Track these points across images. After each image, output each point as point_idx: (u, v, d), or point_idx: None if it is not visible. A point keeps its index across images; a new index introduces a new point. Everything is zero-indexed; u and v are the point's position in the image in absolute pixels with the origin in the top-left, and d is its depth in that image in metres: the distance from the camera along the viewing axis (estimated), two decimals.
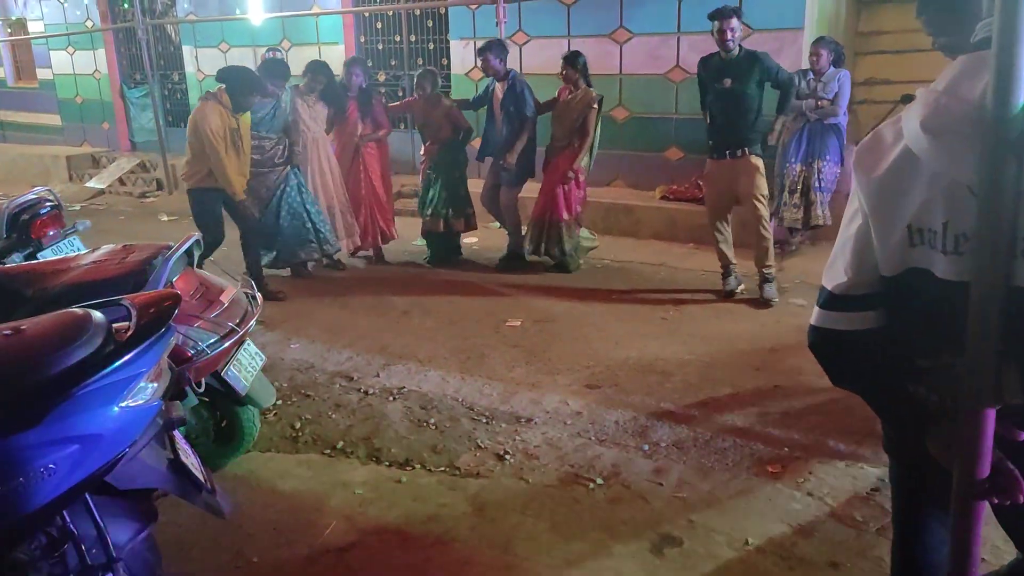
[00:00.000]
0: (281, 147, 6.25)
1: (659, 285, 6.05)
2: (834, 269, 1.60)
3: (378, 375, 4.50)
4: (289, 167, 6.26)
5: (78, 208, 10.02)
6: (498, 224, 7.12)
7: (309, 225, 6.33)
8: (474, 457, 3.56)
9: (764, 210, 5.56)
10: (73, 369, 1.93)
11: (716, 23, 5.29)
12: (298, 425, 3.88)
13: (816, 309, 1.65)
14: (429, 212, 6.77)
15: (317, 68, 6.54)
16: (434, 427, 3.84)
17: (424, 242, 7.08)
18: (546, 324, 5.26)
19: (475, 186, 6.97)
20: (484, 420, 3.90)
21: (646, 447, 3.60)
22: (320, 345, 5.02)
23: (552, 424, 3.85)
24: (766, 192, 5.58)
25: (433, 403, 4.10)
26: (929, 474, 1.60)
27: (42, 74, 13.08)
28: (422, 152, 6.92)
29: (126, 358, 2.01)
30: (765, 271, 5.64)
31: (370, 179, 6.84)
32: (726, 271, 5.76)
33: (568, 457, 3.53)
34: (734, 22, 5.23)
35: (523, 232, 6.64)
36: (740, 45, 5.39)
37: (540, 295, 5.87)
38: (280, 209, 6.23)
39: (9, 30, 13.28)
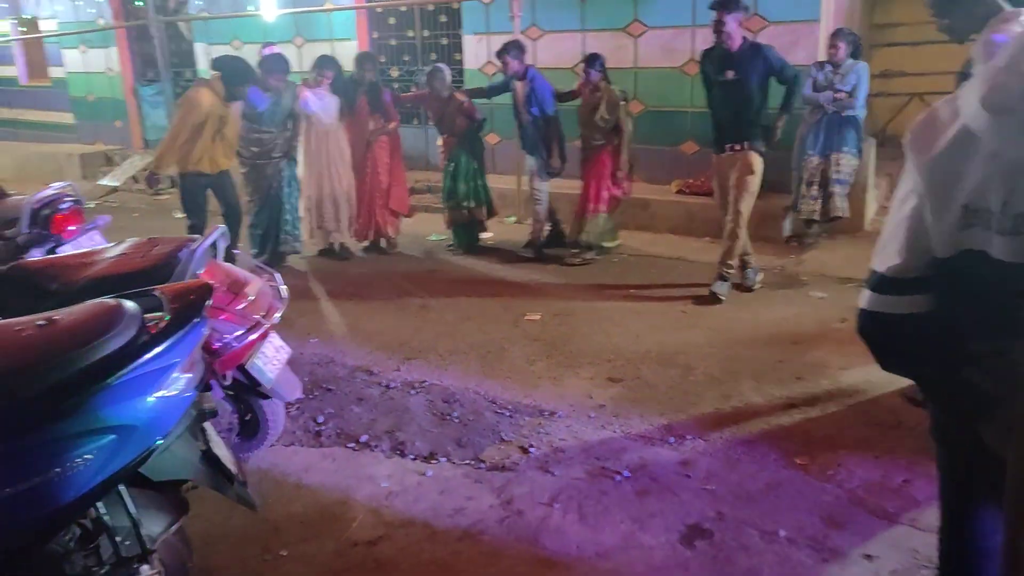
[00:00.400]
0: (280, 140, 6.41)
1: (677, 279, 6.01)
2: (886, 251, 1.57)
3: (399, 369, 4.49)
4: (287, 159, 6.45)
5: (92, 205, 10.00)
6: (514, 218, 7.13)
7: (288, 217, 6.58)
8: (499, 450, 3.54)
9: (746, 207, 5.41)
10: (108, 359, 1.92)
11: (715, 13, 5.23)
12: (321, 419, 3.87)
13: (866, 292, 1.62)
14: (452, 203, 6.86)
15: (323, 62, 6.66)
16: (457, 420, 3.83)
17: (442, 237, 7.21)
18: (565, 318, 5.23)
19: (509, 182, 7.19)
20: (507, 413, 3.88)
21: (672, 440, 3.58)
22: (339, 340, 5.01)
23: (576, 417, 3.83)
24: (755, 190, 5.42)
25: (455, 397, 4.08)
26: (980, 460, 1.57)
27: (55, 72, 13.11)
28: (439, 144, 6.98)
29: (161, 348, 2.00)
30: (724, 268, 5.53)
31: (376, 172, 6.88)
32: (743, 263, 5.70)
33: (594, 450, 3.51)
34: (727, 16, 5.13)
35: (548, 225, 6.82)
36: (744, 38, 5.31)
37: (559, 289, 5.85)
38: (282, 202, 6.48)
39: (22, 28, 13.31)
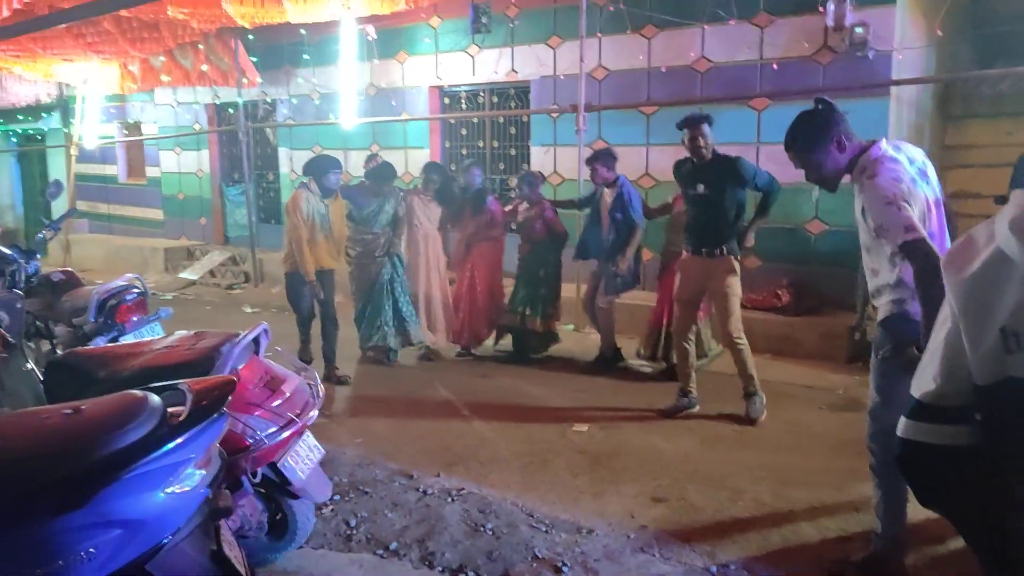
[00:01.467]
0: (383, 239, 6.70)
1: (731, 395, 5.82)
2: (923, 376, 1.49)
3: (438, 475, 4.42)
4: (388, 258, 6.71)
5: (170, 297, 10.47)
6: (571, 326, 7.08)
7: (389, 312, 6.74)
8: (530, 568, 3.41)
9: (735, 310, 5.22)
10: (124, 451, 1.95)
11: (686, 132, 5.19)
12: (353, 522, 3.81)
13: (903, 419, 1.53)
14: (509, 307, 6.91)
15: (430, 169, 7.05)
16: (491, 532, 3.71)
17: (495, 344, 7.21)
18: (614, 431, 5.11)
19: (569, 290, 7.09)
20: (543, 528, 3.75)
21: (714, 570, 3.38)
22: (384, 441, 4.99)
23: (614, 536, 3.67)
24: (739, 292, 5.28)
25: (492, 507, 3.98)
26: None
27: (151, 172, 13.98)
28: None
29: (176, 442, 2.01)
30: (748, 386, 5.26)
31: (474, 280, 6.99)
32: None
33: (629, 573, 3.34)
34: (704, 128, 5.12)
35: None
36: (713, 151, 5.25)
37: (611, 400, 5.74)
38: (382, 301, 6.72)
39: (126, 131, 14.32)
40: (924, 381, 1.52)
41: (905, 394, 3.20)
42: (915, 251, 2.77)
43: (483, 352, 7.15)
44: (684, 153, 5.39)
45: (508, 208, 7.23)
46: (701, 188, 5.20)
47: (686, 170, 5.39)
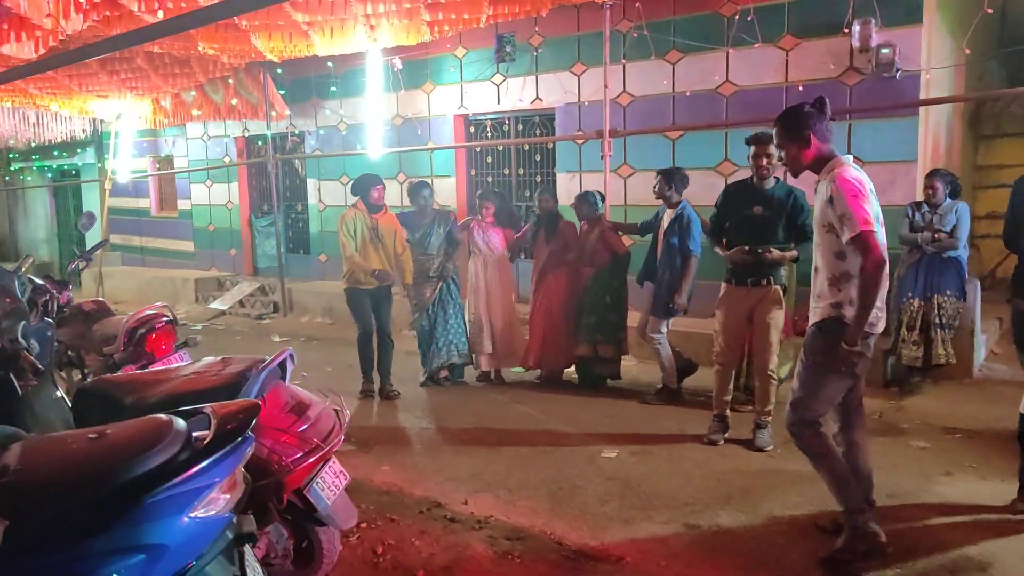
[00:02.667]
0: (437, 262, 6.87)
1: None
2: None
3: (466, 502, 4.37)
4: (443, 280, 6.87)
5: (200, 327, 10.57)
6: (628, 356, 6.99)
7: (440, 334, 6.90)
8: None
9: (775, 342, 5.08)
10: (147, 476, 1.94)
11: (752, 148, 5.06)
12: (380, 550, 3.77)
13: None
14: (579, 337, 6.73)
15: (484, 195, 7.26)
16: (518, 560, 3.65)
17: (522, 371, 7.16)
18: (644, 456, 5.03)
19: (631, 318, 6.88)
20: (571, 556, 3.68)
21: None
22: (411, 468, 4.96)
23: (645, 566, 3.59)
24: (781, 325, 5.13)
25: (520, 535, 3.92)
26: None
27: (182, 204, 14.21)
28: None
29: (201, 466, 2.00)
30: (762, 417, 5.13)
31: (550, 307, 6.91)
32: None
33: None
34: (772, 148, 4.70)
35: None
36: (776, 177, 5.13)
37: (641, 425, 5.66)
38: (435, 322, 6.90)
39: (158, 165, 14.59)
40: None
41: (833, 392, 3.42)
42: (867, 244, 3.23)
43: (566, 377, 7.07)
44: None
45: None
46: (759, 210, 5.03)
47: (741, 190, 5.23)
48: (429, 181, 7.16)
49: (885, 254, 3.28)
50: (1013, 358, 6.65)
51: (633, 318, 6.77)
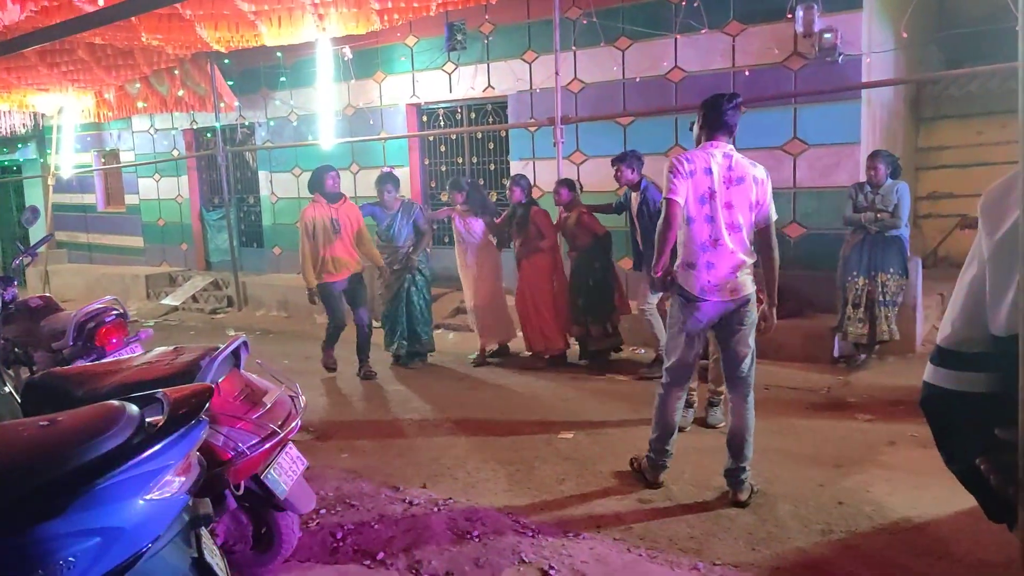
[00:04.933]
0: (403, 252, 7.00)
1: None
2: (944, 321, 1.49)
3: (424, 486, 4.40)
4: (408, 271, 6.99)
5: (151, 324, 10.40)
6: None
7: (403, 321, 7.10)
8: (517, 572, 3.40)
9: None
10: (100, 460, 1.94)
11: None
12: (339, 535, 3.79)
13: (928, 364, 1.53)
14: (573, 319, 6.96)
15: (453, 184, 7.36)
16: (477, 539, 3.70)
17: (473, 355, 7.29)
18: (600, 437, 5.11)
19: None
20: (530, 533, 3.74)
21: (700, 566, 3.38)
22: (370, 455, 4.98)
23: (601, 539, 3.67)
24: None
25: (478, 515, 3.97)
26: None
27: (129, 200, 13.93)
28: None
29: (154, 449, 2.01)
30: (714, 395, 5.24)
31: (524, 292, 7.08)
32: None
33: (617, 574, 3.34)
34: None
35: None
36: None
37: (596, 408, 5.75)
38: (399, 311, 7.09)
39: (103, 160, 14.28)
40: (944, 326, 1.51)
41: (674, 344, 4.11)
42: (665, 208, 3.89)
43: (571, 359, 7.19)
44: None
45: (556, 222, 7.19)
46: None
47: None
48: (395, 172, 7.10)
49: (675, 222, 3.86)
50: None
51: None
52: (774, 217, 4.01)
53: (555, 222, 7.05)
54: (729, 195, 3.88)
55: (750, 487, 4.04)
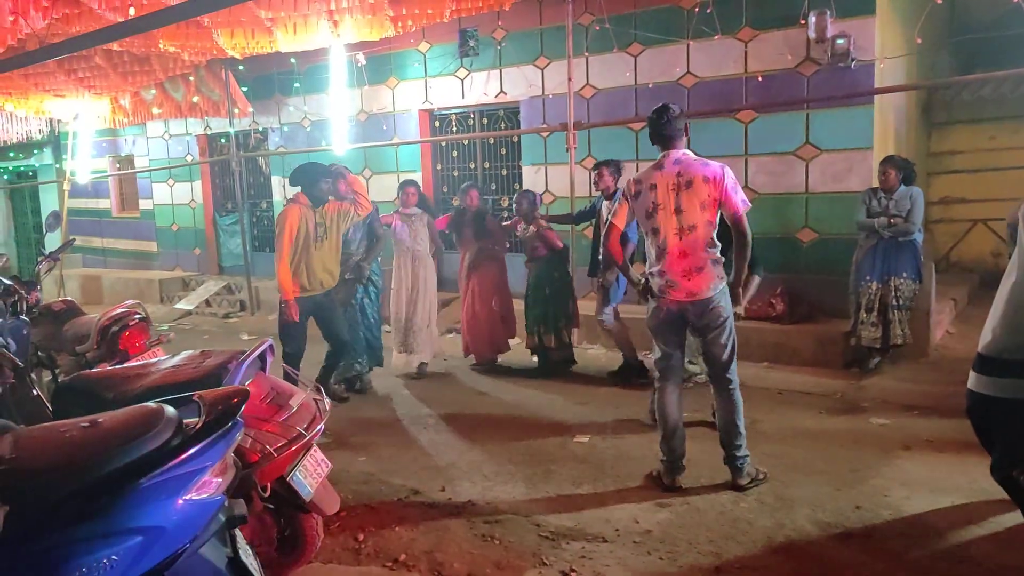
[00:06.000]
0: (352, 261, 6.41)
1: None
2: (985, 329, 1.51)
3: (443, 489, 4.44)
4: (359, 282, 6.51)
5: (166, 328, 10.46)
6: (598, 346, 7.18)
7: (361, 336, 6.57)
8: (539, 574, 3.44)
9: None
10: (141, 461, 1.99)
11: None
12: (361, 537, 3.83)
13: (971, 372, 1.54)
14: (527, 328, 7.04)
15: (406, 181, 7.15)
16: (498, 542, 3.74)
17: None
18: (615, 440, 5.15)
19: (585, 307, 7.22)
20: (550, 537, 3.78)
21: (718, 570, 3.41)
22: (387, 459, 5.02)
23: (621, 542, 3.70)
24: None
25: (498, 518, 4.01)
26: None
27: (144, 205, 14.03)
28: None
29: (193, 451, 2.05)
30: None
31: (472, 300, 7.09)
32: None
33: None
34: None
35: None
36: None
37: (611, 411, 5.78)
38: (344, 323, 6.14)
39: (118, 165, 14.38)
40: (985, 333, 1.52)
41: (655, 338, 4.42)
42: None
43: (506, 362, 7.31)
44: None
45: (507, 224, 7.38)
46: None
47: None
48: (342, 168, 6.35)
49: (611, 241, 4.37)
50: (967, 337, 6.90)
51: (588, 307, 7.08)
52: (742, 209, 4.13)
53: (517, 232, 7.17)
54: (679, 200, 4.10)
55: (750, 474, 4.23)
